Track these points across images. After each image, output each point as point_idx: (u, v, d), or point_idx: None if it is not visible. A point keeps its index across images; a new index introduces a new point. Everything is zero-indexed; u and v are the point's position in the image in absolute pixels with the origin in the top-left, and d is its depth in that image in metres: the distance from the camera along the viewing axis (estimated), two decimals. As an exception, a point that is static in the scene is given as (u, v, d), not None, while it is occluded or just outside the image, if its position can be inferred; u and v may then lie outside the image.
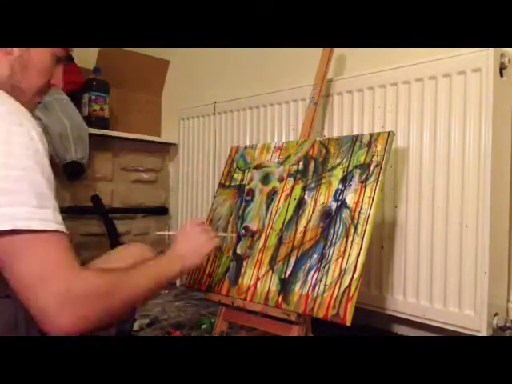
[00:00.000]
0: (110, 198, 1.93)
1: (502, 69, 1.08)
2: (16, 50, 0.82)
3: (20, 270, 0.66)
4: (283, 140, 1.51)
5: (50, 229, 0.67)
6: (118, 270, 0.79)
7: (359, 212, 1.01)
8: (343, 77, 1.38)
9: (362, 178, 1.04)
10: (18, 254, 0.66)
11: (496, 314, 1.08)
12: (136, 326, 1.30)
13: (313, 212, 1.09)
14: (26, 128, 0.69)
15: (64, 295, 0.66)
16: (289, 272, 1.05)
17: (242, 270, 1.15)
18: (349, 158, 1.09)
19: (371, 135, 1.08)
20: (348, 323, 0.91)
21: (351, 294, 0.93)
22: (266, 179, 1.23)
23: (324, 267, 1.00)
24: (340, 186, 1.07)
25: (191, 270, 1.27)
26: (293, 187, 1.16)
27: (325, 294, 0.97)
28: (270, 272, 1.09)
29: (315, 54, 1.35)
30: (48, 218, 0.67)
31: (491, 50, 1.06)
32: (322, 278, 0.99)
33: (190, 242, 0.98)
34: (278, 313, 1.03)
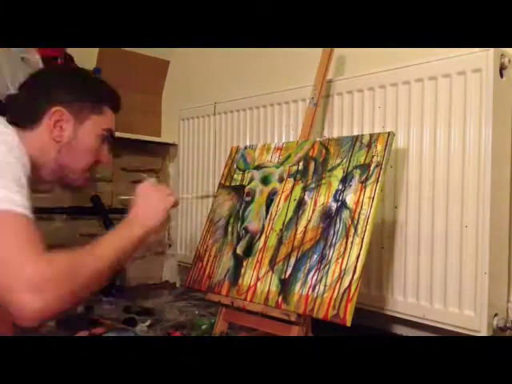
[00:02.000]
0: (110, 198, 1.93)
1: (502, 69, 1.08)
2: (65, 138, 0.90)
3: None
4: (283, 140, 1.51)
5: (16, 210, 0.70)
6: (80, 249, 0.78)
7: (359, 212, 1.01)
8: (343, 77, 1.38)
9: (362, 179, 1.04)
10: None
11: (496, 315, 1.08)
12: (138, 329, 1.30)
13: (313, 212, 1.09)
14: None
15: (31, 280, 0.66)
16: (289, 272, 1.05)
17: (242, 271, 1.15)
18: (349, 159, 1.09)
19: (371, 135, 1.08)
20: (348, 323, 0.91)
21: (351, 295, 0.93)
22: (266, 180, 1.23)
23: (324, 268, 1.00)
24: (340, 187, 1.07)
25: (191, 271, 1.27)
26: (293, 188, 1.16)
27: (325, 295, 0.97)
28: (270, 272, 1.09)
29: (315, 54, 1.35)
30: (17, 201, 0.71)
31: (491, 50, 1.06)
32: (321, 278, 0.99)
33: (147, 202, 0.95)
34: (278, 313, 1.03)
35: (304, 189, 1.13)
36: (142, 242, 0.90)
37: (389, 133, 1.06)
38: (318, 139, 1.19)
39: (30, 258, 0.68)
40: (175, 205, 0.99)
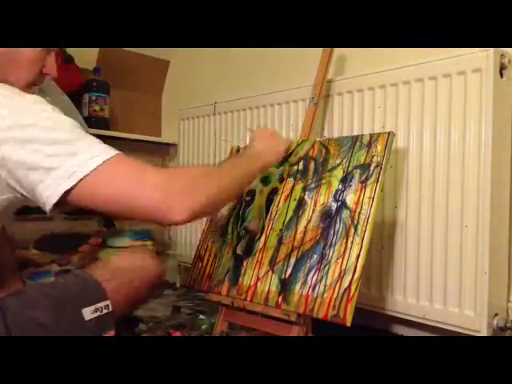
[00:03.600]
0: (110, 198, 1.93)
1: (502, 69, 1.08)
2: None
3: (117, 191, 0.74)
4: (283, 140, 1.50)
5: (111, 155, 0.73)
6: (205, 167, 0.89)
7: (359, 212, 1.01)
8: (343, 77, 1.38)
9: (362, 179, 1.04)
10: (108, 184, 0.73)
11: (496, 315, 1.08)
12: (137, 330, 1.30)
13: (313, 212, 1.08)
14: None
15: (166, 191, 0.75)
16: (289, 272, 1.05)
17: (242, 271, 1.15)
18: (349, 159, 1.09)
19: (371, 135, 1.08)
20: (348, 323, 0.91)
21: (351, 295, 0.93)
22: (266, 179, 1.23)
23: (324, 268, 1.00)
24: (340, 187, 1.07)
25: (191, 271, 1.27)
26: (293, 187, 1.16)
27: (325, 295, 0.97)
28: (270, 272, 1.09)
29: (315, 54, 1.35)
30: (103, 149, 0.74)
31: (491, 50, 1.06)
32: (321, 278, 0.99)
33: (266, 141, 1.08)
34: (278, 313, 1.03)
35: (304, 189, 1.13)
36: (256, 175, 1.01)
37: (389, 133, 1.06)
38: (318, 139, 1.19)
39: (157, 172, 0.76)
40: (286, 151, 1.15)
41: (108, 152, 0.74)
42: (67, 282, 0.90)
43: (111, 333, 0.87)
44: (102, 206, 0.75)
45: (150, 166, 0.77)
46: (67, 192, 0.71)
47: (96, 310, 0.85)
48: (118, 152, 0.75)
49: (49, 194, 0.71)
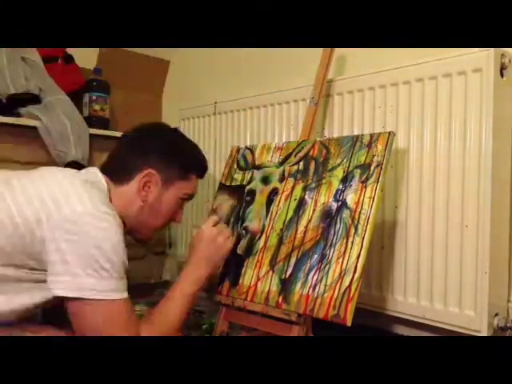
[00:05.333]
0: (110, 198, 1.93)
1: (502, 69, 1.08)
2: (150, 198, 0.98)
3: (85, 327, 0.82)
4: (283, 140, 1.50)
5: (110, 298, 0.81)
6: (158, 315, 0.94)
7: (360, 212, 1.01)
8: (344, 77, 1.38)
9: (363, 178, 1.04)
10: (84, 315, 0.82)
11: (496, 314, 1.08)
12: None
13: (313, 212, 1.08)
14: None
15: None
16: (289, 272, 1.05)
17: (243, 270, 1.15)
18: (349, 159, 1.09)
19: (372, 135, 1.08)
20: (348, 323, 0.91)
21: (351, 295, 0.93)
22: (266, 179, 1.23)
23: (324, 267, 1.00)
24: (340, 187, 1.07)
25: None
26: (293, 187, 1.16)
27: (325, 295, 0.97)
28: (271, 272, 1.09)
29: (315, 54, 1.35)
30: (110, 288, 0.82)
31: (492, 50, 1.06)
32: (322, 278, 0.99)
33: (211, 248, 1.04)
34: (278, 313, 1.03)
35: (304, 188, 1.13)
36: (202, 288, 1.04)
37: (389, 133, 1.06)
38: (318, 139, 1.19)
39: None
40: (229, 251, 1.09)
41: (117, 295, 0.83)
42: None
43: None
44: (76, 328, 0.83)
45: (133, 326, 0.86)
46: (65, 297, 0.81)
47: None
48: (124, 297, 0.85)
49: (53, 287, 0.81)
